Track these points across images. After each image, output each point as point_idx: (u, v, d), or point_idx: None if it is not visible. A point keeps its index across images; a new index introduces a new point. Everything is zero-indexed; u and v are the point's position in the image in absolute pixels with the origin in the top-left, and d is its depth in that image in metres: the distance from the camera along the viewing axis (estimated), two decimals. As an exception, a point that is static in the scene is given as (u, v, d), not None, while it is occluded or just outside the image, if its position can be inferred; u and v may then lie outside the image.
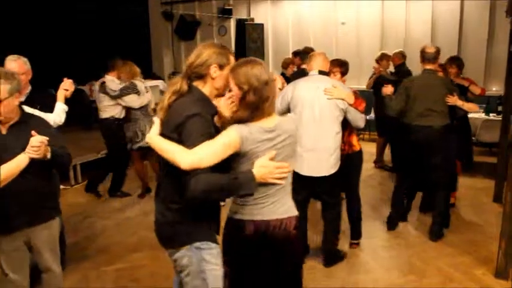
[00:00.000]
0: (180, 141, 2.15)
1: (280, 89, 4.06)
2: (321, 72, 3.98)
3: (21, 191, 2.80)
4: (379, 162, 7.31)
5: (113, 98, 5.82)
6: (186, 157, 2.07)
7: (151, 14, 11.84)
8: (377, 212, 5.37)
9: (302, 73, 5.04)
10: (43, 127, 2.94)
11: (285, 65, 7.30)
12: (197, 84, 2.30)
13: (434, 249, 4.47)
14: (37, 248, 3.01)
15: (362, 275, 4.06)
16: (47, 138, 2.66)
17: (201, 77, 2.29)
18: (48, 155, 2.71)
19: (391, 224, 4.96)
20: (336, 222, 4.20)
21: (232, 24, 10.96)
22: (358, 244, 4.52)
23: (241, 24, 10.20)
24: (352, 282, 3.95)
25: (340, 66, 4.27)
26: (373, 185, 6.33)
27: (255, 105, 2.20)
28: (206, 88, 2.31)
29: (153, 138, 2.26)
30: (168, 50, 11.84)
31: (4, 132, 2.82)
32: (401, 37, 9.03)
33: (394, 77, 6.56)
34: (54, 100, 3.81)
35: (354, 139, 4.28)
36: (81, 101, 8.90)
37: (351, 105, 3.86)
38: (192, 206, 2.24)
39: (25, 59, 3.74)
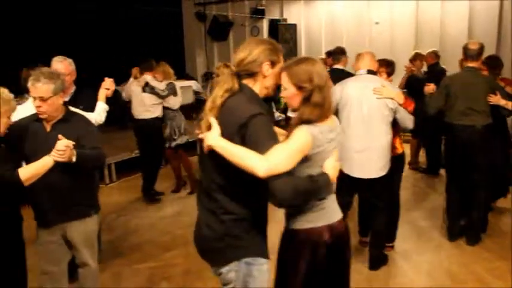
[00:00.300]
0: (243, 143, 2.02)
1: None
2: (369, 72, 3.91)
3: (57, 186, 2.90)
4: (413, 164, 7.19)
5: (161, 97, 5.94)
6: (262, 164, 1.93)
7: (185, 14, 11.99)
8: (409, 215, 5.27)
9: (335, 73, 4.98)
10: (84, 125, 3.07)
11: None
12: (247, 82, 2.17)
13: (470, 253, 4.37)
14: (73, 243, 3.11)
15: (399, 279, 4.01)
16: (73, 143, 2.71)
17: (252, 74, 2.16)
18: (74, 159, 2.74)
19: (452, 234, 4.65)
20: (384, 225, 4.13)
21: (264, 25, 10.96)
22: (392, 247, 4.45)
23: (273, 24, 10.19)
24: (391, 285, 3.92)
25: (387, 66, 4.25)
26: (406, 186, 6.20)
27: (320, 104, 2.10)
28: (256, 86, 2.19)
29: (219, 141, 2.05)
30: (201, 51, 11.95)
31: (48, 129, 2.95)
32: (437, 36, 8.83)
33: (426, 77, 6.43)
34: (96, 100, 3.91)
35: (397, 141, 4.17)
36: (116, 101, 9.04)
37: (400, 105, 3.78)
38: (248, 218, 2.14)
39: (70, 60, 3.87)
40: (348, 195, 3.97)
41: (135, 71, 6.11)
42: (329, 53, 6.99)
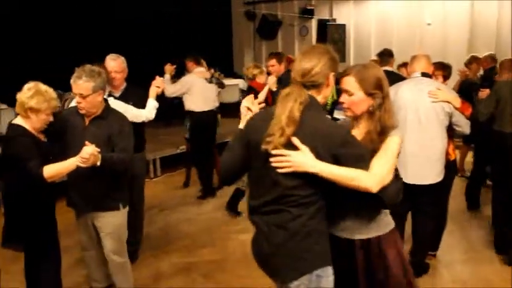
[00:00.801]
0: (336, 162, 1.98)
1: None
2: (423, 74, 3.76)
3: (87, 178, 3.04)
4: (462, 171, 6.92)
5: (223, 87, 6.23)
6: (373, 180, 2.00)
7: (234, 13, 12.07)
8: (455, 223, 5.08)
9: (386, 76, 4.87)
10: (119, 124, 3.17)
11: None
12: (312, 93, 2.08)
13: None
14: (100, 234, 3.28)
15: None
16: (98, 150, 2.81)
17: (317, 86, 2.08)
18: (98, 163, 2.85)
19: (498, 248, 4.40)
20: (432, 234, 4.02)
21: (313, 25, 10.87)
22: (435, 256, 4.30)
23: (322, 24, 10.10)
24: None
25: (444, 69, 4.14)
26: (452, 195, 6.00)
27: (393, 110, 2.18)
28: (319, 97, 2.10)
29: (319, 165, 1.97)
30: (249, 49, 12.00)
31: (87, 123, 3.08)
32: (492, 38, 8.46)
33: (480, 82, 6.17)
34: (145, 97, 4.04)
35: (451, 147, 3.99)
36: (161, 96, 9.21)
37: (457, 109, 3.63)
38: (320, 227, 2.08)
39: (123, 59, 4.03)
40: (403, 204, 3.77)
41: (169, 67, 5.93)
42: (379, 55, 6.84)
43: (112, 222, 3.25)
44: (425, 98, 3.63)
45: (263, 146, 2.01)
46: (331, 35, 9.76)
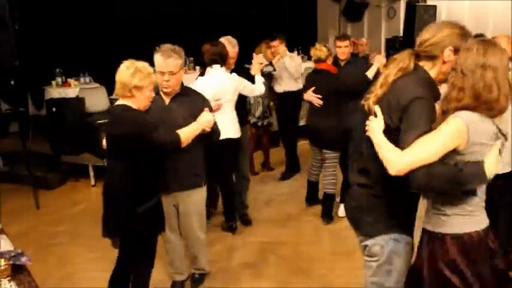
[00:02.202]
0: (400, 124, 2.01)
1: None
2: None
3: (180, 156, 3.13)
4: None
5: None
6: (393, 163, 1.95)
7: (320, -5, 11.89)
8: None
9: None
10: (201, 101, 3.27)
11: None
12: (423, 64, 2.13)
13: None
14: (184, 213, 3.36)
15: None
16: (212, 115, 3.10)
17: (431, 58, 2.10)
18: (208, 129, 3.10)
19: None
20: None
21: (402, 6, 10.43)
22: None
23: (411, 5, 9.61)
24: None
25: None
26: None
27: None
28: (433, 71, 2.12)
29: (377, 135, 2.07)
30: (334, 31, 11.75)
31: (167, 102, 3.17)
32: None
33: None
34: (249, 74, 4.49)
35: None
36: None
37: None
38: (401, 196, 2.12)
39: (235, 42, 4.53)
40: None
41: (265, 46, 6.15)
42: None
43: (198, 200, 3.39)
44: None
45: (362, 102, 2.20)
46: (420, 17, 9.26)
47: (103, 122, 5.94)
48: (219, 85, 4.11)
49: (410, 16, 9.51)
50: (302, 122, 6.44)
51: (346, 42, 4.96)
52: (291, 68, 5.92)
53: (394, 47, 10.33)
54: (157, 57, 3.05)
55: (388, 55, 10.52)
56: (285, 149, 6.43)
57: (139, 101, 2.78)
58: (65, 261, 4.16)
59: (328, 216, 4.84)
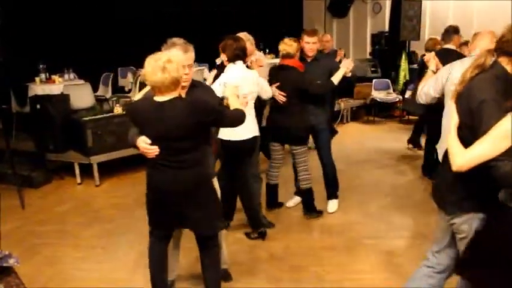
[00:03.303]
0: (472, 126, 2.16)
1: (434, 72, 3.83)
2: None
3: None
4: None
5: None
6: (457, 159, 2.13)
7: (306, -10, 11.89)
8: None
9: (443, 54, 4.57)
10: (211, 90, 3.33)
11: (429, 46, 6.83)
12: (501, 60, 2.22)
13: None
14: None
15: None
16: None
17: (507, 53, 2.20)
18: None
19: None
20: None
21: (387, 2, 10.49)
22: None
23: (397, 1, 9.68)
24: None
25: None
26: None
27: None
28: (510, 66, 2.22)
29: (451, 131, 2.27)
30: (320, 27, 11.77)
31: (184, 95, 2.98)
32: None
33: None
34: None
35: None
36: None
37: None
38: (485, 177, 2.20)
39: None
40: None
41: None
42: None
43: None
44: None
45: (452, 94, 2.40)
46: (406, 12, 9.34)
47: (88, 119, 5.87)
48: (245, 81, 3.98)
49: (396, 12, 9.58)
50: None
51: (315, 38, 4.71)
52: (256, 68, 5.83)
53: (379, 42, 10.40)
54: (176, 52, 2.94)
55: (374, 50, 10.60)
56: None
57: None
58: (53, 262, 4.08)
59: (311, 210, 4.84)
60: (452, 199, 2.40)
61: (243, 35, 4.34)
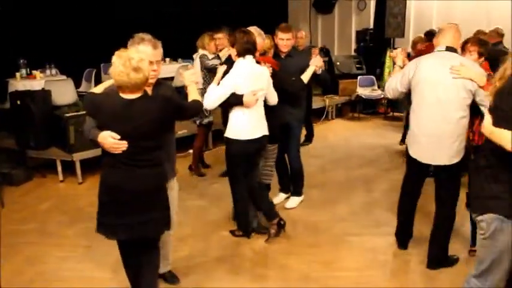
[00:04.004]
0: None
1: (401, 67, 3.87)
2: (448, 49, 3.52)
3: (168, 145, 3.10)
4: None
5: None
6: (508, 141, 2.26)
7: (291, -14, 11.86)
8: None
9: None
10: (171, 89, 3.28)
11: (413, 45, 6.89)
12: None
13: None
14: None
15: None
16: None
17: None
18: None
19: None
20: (448, 221, 3.72)
21: (372, -1, 10.50)
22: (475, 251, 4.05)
23: (382, -2, 9.71)
24: None
25: (480, 46, 3.88)
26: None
27: None
28: None
29: (489, 127, 2.44)
30: (305, 24, 11.76)
31: (150, 91, 2.95)
32: None
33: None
34: None
35: None
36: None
37: (481, 87, 3.36)
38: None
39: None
40: (417, 182, 3.78)
41: None
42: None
43: (175, 192, 3.37)
44: (447, 73, 3.40)
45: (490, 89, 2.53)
46: (390, 9, 9.36)
47: (71, 115, 5.77)
48: (255, 77, 3.86)
49: (381, 9, 9.60)
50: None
51: (289, 35, 4.60)
52: None
53: (364, 39, 10.42)
54: (144, 48, 2.90)
55: (359, 47, 10.62)
56: None
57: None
58: (34, 261, 4.01)
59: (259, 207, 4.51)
60: (481, 196, 2.54)
61: (253, 29, 4.12)
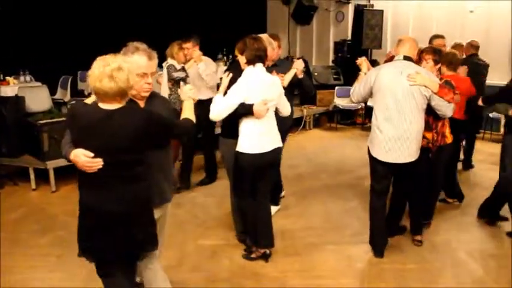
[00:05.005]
0: None
1: (365, 74, 4.15)
2: (405, 58, 3.88)
3: (165, 164, 2.95)
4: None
5: None
6: None
7: (270, -3, 11.94)
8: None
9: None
10: (166, 104, 3.05)
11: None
12: None
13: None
14: (162, 223, 3.05)
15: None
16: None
17: None
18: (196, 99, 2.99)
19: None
20: (398, 213, 4.40)
21: (350, 10, 10.63)
22: (429, 224, 4.65)
23: (359, 10, 9.83)
24: None
25: (434, 54, 4.20)
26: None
27: None
28: None
29: None
30: (283, 34, 11.81)
31: (142, 105, 2.80)
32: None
33: None
34: None
35: (447, 130, 4.23)
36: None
37: (435, 93, 3.78)
38: None
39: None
40: (382, 181, 4.06)
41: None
42: None
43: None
44: (404, 80, 3.76)
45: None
46: (368, 21, 9.49)
47: (45, 122, 5.67)
48: (267, 86, 3.72)
49: (358, 21, 9.72)
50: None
51: (277, 43, 4.69)
52: (205, 76, 5.53)
53: (342, 50, 10.52)
54: (139, 58, 2.67)
55: (337, 58, 10.71)
56: (204, 157, 6.13)
57: None
58: (4, 271, 3.88)
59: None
60: None
61: (265, 37, 4.01)
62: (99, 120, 2.39)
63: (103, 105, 2.42)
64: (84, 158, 2.38)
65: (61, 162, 5.63)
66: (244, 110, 3.62)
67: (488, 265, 4.03)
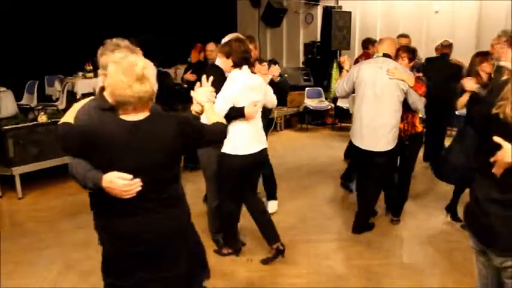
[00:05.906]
0: None
1: (347, 71, 4.55)
2: (385, 55, 4.31)
3: None
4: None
5: None
6: None
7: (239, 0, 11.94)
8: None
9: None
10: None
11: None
12: None
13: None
14: None
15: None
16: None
17: None
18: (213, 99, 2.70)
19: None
20: (373, 197, 4.62)
21: (319, 12, 10.72)
22: (398, 221, 4.80)
23: (328, 11, 9.93)
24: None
25: (409, 53, 4.57)
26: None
27: None
28: None
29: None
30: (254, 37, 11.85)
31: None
32: (501, 27, 8.27)
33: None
34: None
35: (417, 120, 4.58)
36: (165, 83, 9.15)
37: (411, 87, 4.18)
38: None
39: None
40: (365, 167, 4.48)
41: None
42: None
43: None
44: (384, 75, 4.17)
45: (494, 110, 1.96)
46: (336, 23, 9.60)
47: (9, 127, 5.53)
48: (253, 88, 3.66)
49: (327, 22, 9.81)
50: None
51: (253, 46, 4.64)
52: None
53: (312, 51, 10.61)
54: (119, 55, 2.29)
55: (306, 59, 10.80)
56: None
57: None
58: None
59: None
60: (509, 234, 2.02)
61: (234, 37, 3.86)
62: (129, 135, 2.05)
63: (125, 117, 2.07)
64: (121, 181, 2.04)
65: (27, 168, 5.55)
66: (236, 113, 3.55)
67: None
